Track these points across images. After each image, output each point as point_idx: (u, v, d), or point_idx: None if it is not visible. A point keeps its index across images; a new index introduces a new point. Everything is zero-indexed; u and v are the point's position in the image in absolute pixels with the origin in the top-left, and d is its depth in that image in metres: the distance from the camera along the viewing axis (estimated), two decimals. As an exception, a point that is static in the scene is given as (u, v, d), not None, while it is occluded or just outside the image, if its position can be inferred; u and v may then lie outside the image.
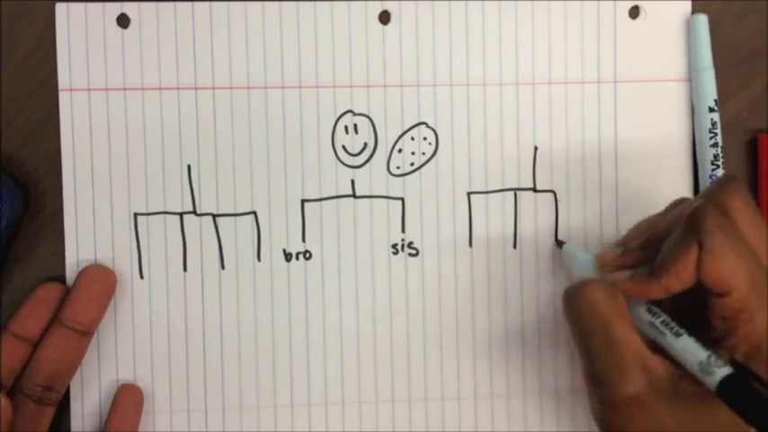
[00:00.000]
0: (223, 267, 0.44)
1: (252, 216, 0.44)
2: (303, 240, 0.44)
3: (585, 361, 0.35)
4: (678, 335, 0.34)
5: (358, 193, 0.44)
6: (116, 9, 0.43)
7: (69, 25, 0.43)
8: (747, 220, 0.35)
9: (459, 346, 0.44)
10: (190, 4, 0.43)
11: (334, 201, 0.44)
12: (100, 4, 0.42)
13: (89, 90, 0.43)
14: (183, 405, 0.43)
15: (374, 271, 0.44)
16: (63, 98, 0.43)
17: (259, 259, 0.44)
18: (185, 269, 0.43)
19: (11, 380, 0.41)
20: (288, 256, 0.44)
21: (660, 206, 0.45)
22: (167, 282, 0.43)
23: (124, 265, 0.43)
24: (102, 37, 0.43)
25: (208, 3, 0.43)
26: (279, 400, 0.44)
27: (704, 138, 0.44)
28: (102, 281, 0.42)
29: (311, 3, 0.43)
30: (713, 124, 0.43)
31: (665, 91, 0.44)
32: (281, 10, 0.43)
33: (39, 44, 0.43)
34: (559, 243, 0.44)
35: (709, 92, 0.43)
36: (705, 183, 0.44)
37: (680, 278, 0.34)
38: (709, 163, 0.43)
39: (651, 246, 0.37)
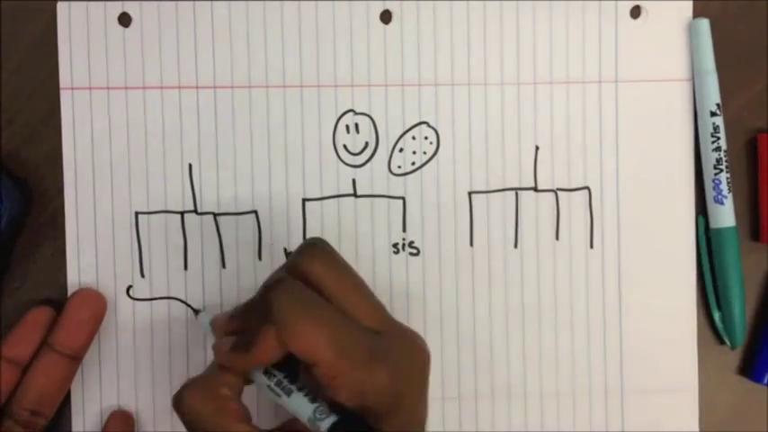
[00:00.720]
0: (224, 266, 0.44)
1: (253, 215, 0.44)
2: (304, 239, 0.44)
3: None
4: (289, 393, 0.34)
5: (359, 193, 0.44)
6: (117, 8, 0.43)
7: (71, 24, 0.42)
8: (332, 280, 0.35)
9: (459, 346, 0.44)
10: (191, 3, 0.43)
11: (335, 200, 0.44)
12: (101, 3, 0.42)
13: (90, 89, 0.43)
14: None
15: (375, 270, 0.44)
16: (64, 97, 0.43)
17: (260, 258, 0.44)
18: (186, 268, 0.43)
19: (1, 403, 0.40)
20: (288, 256, 0.44)
21: (661, 205, 0.45)
22: (168, 281, 0.43)
23: (125, 263, 0.43)
24: (104, 36, 0.43)
25: (209, 2, 0.43)
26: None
27: (707, 142, 0.44)
28: (91, 305, 0.42)
29: (313, 2, 0.43)
30: (715, 128, 0.43)
31: (666, 91, 0.45)
32: (283, 9, 0.43)
33: (39, 43, 0.43)
34: (195, 312, 0.43)
35: (712, 96, 0.43)
36: (710, 187, 0.44)
37: (268, 354, 0.33)
38: (713, 167, 0.44)
39: (249, 312, 0.36)
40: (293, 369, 0.35)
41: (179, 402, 0.35)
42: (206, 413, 0.34)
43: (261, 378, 0.35)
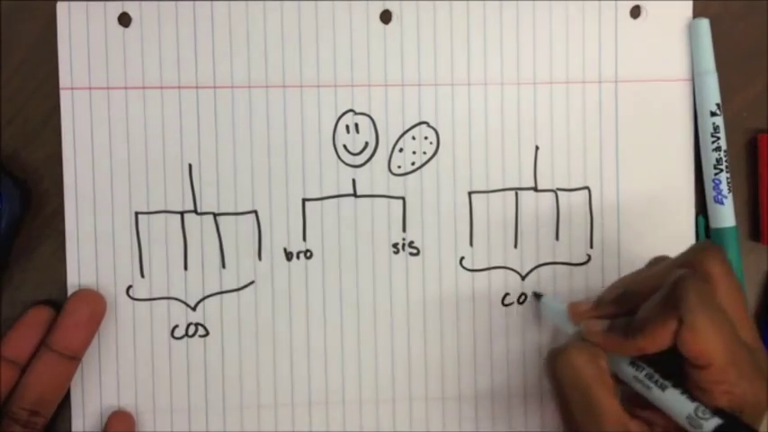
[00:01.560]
0: (224, 266, 0.44)
1: (253, 215, 0.44)
2: (304, 239, 0.44)
3: (566, 425, 0.36)
4: (664, 388, 0.34)
5: (359, 193, 0.44)
6: (117, 8, 0.43)
7: (70, 24, 0.42)
8: (725, 287, 0.35)
9: (459, 345, 0.44)
10: (191, 3, 0.43)
11: (335, 200, 0.44)
12: (101, 3, 0.42)
13: (90, 89, 0.43)
14: (183, 404, 0.43)
15: (375, 270, 0.44)
16: (64, 97, 0.43)
17: (260, 258, 0.44)
18: (186, 268, 0.43)
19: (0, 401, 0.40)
20: (289, 255, 0.44)
21: (661, 205, 0.45)
22: (168, 280, 0.43)
23: (125, 263, 0.43)
24: (104, 36, 0.43)
25: (209, 2, 0.43)
26: (279, 399, 0.44)
27: (707, 142, 0.44)
28: (91, 306, 0.42)
29: (313, 2, 0.43)
30: (715, 128, 0.43)
31: (666, 91, 0.45)
32: (283, 9, 0.43)
33: (39, 43, 0.43)
34: (537, 296, 0.44)
35: (712, 96, 0.43)
36: (710, 187, 0.44)
37: (656, 344, 0.33)
38: (713, 167, 0.44)
39: (626, 301, 0.37)
40: (658, 366, 0.35)
41: (558, 358, 0.35)
42: (588, 377, 0.35)
43: (627, 369, 0.35)
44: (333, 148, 0.44)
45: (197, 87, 0.43)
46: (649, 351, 0.34)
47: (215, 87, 0.43)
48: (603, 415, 0.34)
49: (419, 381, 0.44)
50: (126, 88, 0.43)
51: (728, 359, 0.33)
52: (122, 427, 0.43)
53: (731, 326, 0.34)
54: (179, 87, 0.43)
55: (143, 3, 0.43)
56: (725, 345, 0.33)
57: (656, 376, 0.34)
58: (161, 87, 0.43)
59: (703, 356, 0.33)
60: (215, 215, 0.43)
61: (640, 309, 0.35)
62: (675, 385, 0.34)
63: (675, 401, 0.33)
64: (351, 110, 0.44)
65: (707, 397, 0.33)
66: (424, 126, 0.44)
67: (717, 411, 0.32)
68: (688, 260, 0.36)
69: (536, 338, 0.45)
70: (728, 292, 0.35)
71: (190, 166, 0.43)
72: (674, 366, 0.34)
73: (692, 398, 0.33)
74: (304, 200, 0.44)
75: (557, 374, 0.36)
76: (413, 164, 0.44)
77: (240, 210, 0.43)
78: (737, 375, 0.33)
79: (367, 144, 0.44)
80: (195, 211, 0.43)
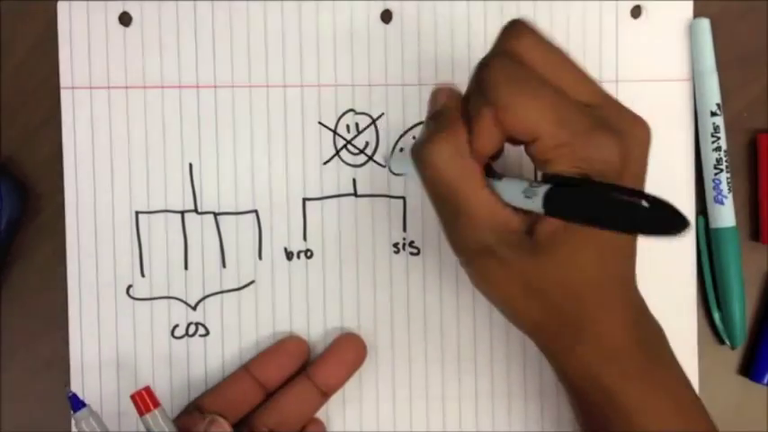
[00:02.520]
0: (224, 266, 0.44)
1: (253, 214, 0.44)
2: (305, 239, 0.44)
3: (440, 224, 0.35)
4: (499, 178, 0.33)
5: (359, 192, 0.44)
6: (118, 7, 0.42)
7: (71, 23, 0.42)
8: (540, 55, 0.33)
9: (460, 345, 0.44)
10: (192, 3, 0.43)
11: (336, 200, 0.44)
12: (102, 3, 0.42)
13: (91, 88, 0.43)
14: (184, 404, 0.43)
15: (375, 269, 0.44)
16: (65, 96, 0.43)
17: (260, 258, 0.44)
18: (186, 267, 0.43)
19: (237, 417, 0.41)
20: (289, 255, 0.44)
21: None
22: (168, 280, 0.43)
23: (125, 262, 0.43)
24: (104, 35, 0.43)
25: (210, 2, 0.43)
26: (280, 398, 0.44)
27: (707, 142, 0.44)
28: (356, 351, 0.43)
29: (314, 2, 0.43)
30: (716, 128, 0.43)
31: (666, 91, 0.44)
32: (283, 8, 0.43)
33: (39, 44, 0.43)
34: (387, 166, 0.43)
35: (712, 96, 0.43)
36: (710, 187, 0.44)
37: (488, 139, 0.32)
38: (713, 167, 0.44)
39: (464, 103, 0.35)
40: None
41: (420, 155, 0.33)
42: (452, 173, 0.33)
43: None
44: (333, 147, 0.44)
45: (197, 86, 0.43)
46: (490, 150, 0.33)
47: (215, 86, 0.43)
48: (469, 210, 0.33)
49: (419, 380, 0.44)
50: (126, 87, 0.43)
51: (558, 123, 0.31)
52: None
53: (554, 91, 0.32)
54: (180, 86, 0.43)
55: (144, 2, 0.43)
56: (548, 110, 0.31)
57: (494, 171, 0.33)
58: (162, 86, 0.43)
59: (527, 129, 0.32)
60: (215, 214, 0.43)
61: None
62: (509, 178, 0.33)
63: (511, 186, 0.32)
64: (351, 109, 0.44)
65: (551, 166, 0.32)
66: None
67: (548, 178, 0.31)
68: (497, 46, 0.34)
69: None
70: (546, 60, 0.33)
71: (190, 165, 0.43)
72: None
73: (524, 180, 0.32)
74: (304, 199, 0.44)
75: (422, 173, 0.34)
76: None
77: (241, 209, 0.43)
78: (572, 134, 0.31)
79: (367, 144, 0.44)
80: (196, 211, 0.43)
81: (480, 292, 0.36)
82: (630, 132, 0.33)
